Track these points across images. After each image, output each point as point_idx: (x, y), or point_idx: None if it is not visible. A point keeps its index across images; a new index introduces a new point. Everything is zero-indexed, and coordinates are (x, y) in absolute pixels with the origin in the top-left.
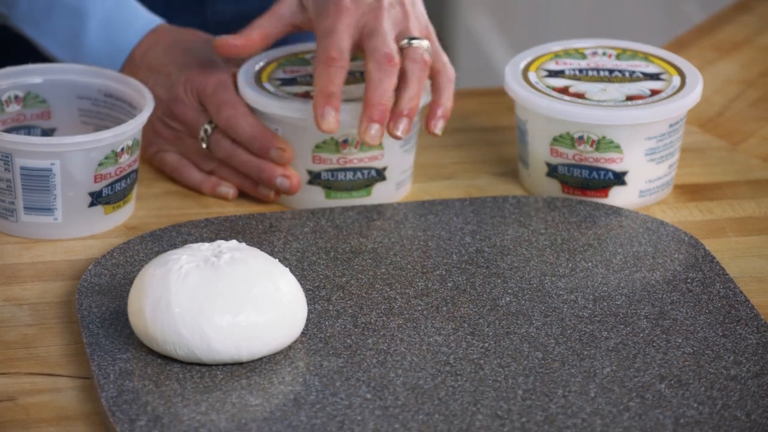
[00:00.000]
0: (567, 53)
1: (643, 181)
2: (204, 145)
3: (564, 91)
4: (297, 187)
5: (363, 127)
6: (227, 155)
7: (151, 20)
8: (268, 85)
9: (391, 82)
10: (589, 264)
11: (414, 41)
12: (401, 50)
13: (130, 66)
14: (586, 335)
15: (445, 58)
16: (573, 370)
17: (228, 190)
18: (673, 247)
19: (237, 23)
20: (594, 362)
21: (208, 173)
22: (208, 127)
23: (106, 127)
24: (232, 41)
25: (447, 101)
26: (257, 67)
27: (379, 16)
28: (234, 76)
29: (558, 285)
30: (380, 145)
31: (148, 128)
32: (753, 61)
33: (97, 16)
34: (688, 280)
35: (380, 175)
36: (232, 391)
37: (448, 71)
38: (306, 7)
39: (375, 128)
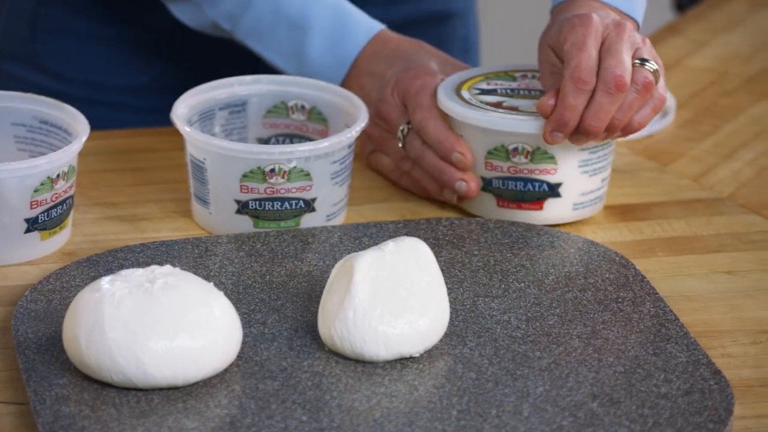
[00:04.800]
0: (497, 75)
1: (577, 193)
2: (400, 144)
3: (498, 105)
4: (474, 192)
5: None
6: (418, 155)
7: (372, 27)
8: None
9: (612, 107)
10: (522, 284)
11: (646, 63)
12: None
13: (355, 72)
14: (519, 355)
15: (662, 88)
16: (506, 390)
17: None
18: (604, 267)
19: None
20: (527, 382)
21: (406, 174)
22: (405, 127)
23: (42, 154)
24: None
25: (632, 117)
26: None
27: (621, 34)
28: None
29: (491, 306)
30: (309, 177)
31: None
32: (683, 83)
33: (319, 29)
34: (619, 300)
35: (309, 206)
36: (168, 415)
37: (658, 96)
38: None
39: (559, 135)
